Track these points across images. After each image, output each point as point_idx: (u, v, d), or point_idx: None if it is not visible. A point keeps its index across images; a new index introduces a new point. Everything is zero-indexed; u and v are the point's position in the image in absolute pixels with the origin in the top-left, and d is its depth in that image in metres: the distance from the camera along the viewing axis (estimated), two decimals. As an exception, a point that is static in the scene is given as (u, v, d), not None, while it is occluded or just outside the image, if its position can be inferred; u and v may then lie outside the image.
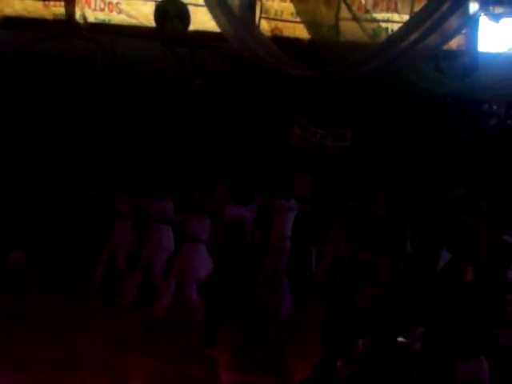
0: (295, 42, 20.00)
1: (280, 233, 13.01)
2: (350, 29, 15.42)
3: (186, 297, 11.88)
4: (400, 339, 8.21)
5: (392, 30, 19.22)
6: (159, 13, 18.95)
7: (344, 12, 15.46)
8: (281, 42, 18.15)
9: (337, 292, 9.68)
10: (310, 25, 15.97)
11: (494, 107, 21.22)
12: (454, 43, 20.56)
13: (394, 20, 20.82)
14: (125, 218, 13.65)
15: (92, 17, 19.65)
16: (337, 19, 15.45)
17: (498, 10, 18.09)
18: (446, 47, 16.80)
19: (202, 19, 19.29)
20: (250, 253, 11.14)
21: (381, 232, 9.19)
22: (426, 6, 13.93)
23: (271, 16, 20.72)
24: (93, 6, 19.63)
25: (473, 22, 17.32)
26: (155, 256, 12.68)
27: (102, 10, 19.72)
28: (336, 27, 15.45)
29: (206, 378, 10.27)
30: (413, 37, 13.45)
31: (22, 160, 16.93)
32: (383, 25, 18.87)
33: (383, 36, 16.23)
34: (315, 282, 14.57)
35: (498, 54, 18.58)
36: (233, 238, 10.89)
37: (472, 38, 21.66)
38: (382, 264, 8.79)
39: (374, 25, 16.57)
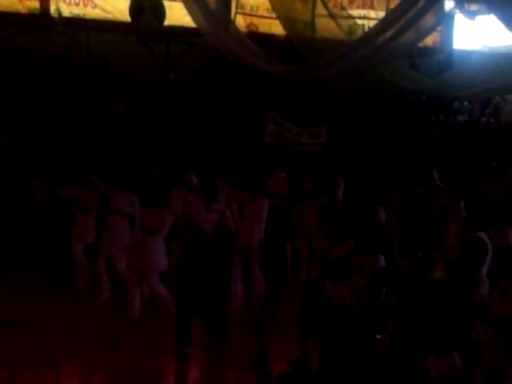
0: (271, 37, 20.02)
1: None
2: (325, 25, 15.41)
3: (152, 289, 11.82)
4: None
5: (368, 27, 19.26)
6: (134, 8, 18.88)
7: (320, 9, 15.44)
8: (256, 37, 18.16)
9: (312, 288, 9.69)
10: (286, 21, 15.95)
11: (465, 104, 21.35)
12: (429, 40, 20.68)
13: (370, 17, 20.91)
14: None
15: (67, 11, 19.57)
16: (313, 16, 15.44)
17: (474, 7, 18.18)
18: (421, 44, 16.89)
19: (177, 14, 19.27)
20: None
21: (363, 228, 9.15)
22: (401, 3, 13.93)
23: (247, 11, 20.74)
24: (67, 0, 19.52)
25: (448, 19, 17.41)
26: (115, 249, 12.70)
27: (77, 4, 19.65)
28: (312, 24, 15.44)
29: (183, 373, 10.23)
30: (388, 33, 13.46)
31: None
32: (359, 22, 18.93)
33: (359, 33, 16.24)
34: (290, 278, 14.62)
35: (473, 52, 18.65)
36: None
37: (447, 36, 21.80)
38: (363, 260, 8.78)
39: (350, 22, 16.58)
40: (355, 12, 20.28)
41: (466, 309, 7.41)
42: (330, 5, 16.17)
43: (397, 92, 18.54)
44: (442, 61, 21.41)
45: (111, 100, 18.80)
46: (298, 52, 16.62)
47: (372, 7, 21.34)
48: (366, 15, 20.93)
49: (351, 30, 15.94)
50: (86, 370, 10.10)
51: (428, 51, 21.28)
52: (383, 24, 14.43)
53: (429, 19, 13.25)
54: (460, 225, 11.24)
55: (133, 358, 10.37)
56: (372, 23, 20.30)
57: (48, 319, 11.47)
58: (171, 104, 18.99)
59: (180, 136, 18.09)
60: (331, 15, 15.50)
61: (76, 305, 12.82)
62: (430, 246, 8.89)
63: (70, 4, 19.62)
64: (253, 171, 14.06)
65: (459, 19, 19.79)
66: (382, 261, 8.80)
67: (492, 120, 21.30)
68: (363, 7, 21.26)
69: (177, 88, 19.36)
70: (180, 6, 17.36)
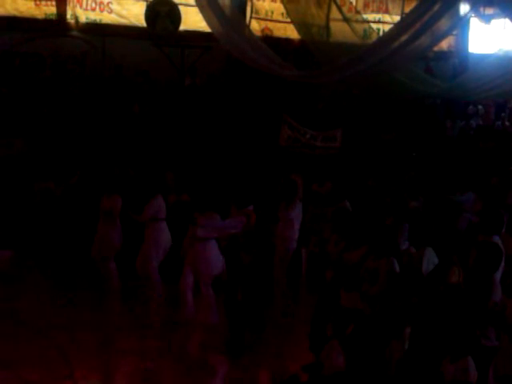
0: (285, 42, 20.04)
1: None
2: (340, 30, 15.42)
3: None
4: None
5: (383, 31, 19.27)
6: (150, 13, 18.95)
7: (335, 13, 15.45)
8: (271, 42, 18.16)
9: (327, 292, 9.70)
10: (301, 25, 15.96)
11: (480, 107, 21.31)
12: (444, 44, 20.67)
13: (384, 21, 20.90)
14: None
15: (83, 16, 19.64)
16: (327, 20, 15.46)
17: (489, 11, 18.16)
18: (436, 48, 16.87)
19: (192, 19, 19.33)
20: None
21: (376, 232, 9.16)
22: (416, 7, 13.92)
23: (261, 16, 20.77)
24: (84, 5, 19.61)
25: (463, 23, 17.36)
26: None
27: (93, 9, 19.71)
28: (327, 28, 15.45)
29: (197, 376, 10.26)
30: (403, 38, 13.45)
31: (14, 158, 16.93)
32: (374, 26, 18.93)
33: (374, 37, 16.25)
34: (305, 282, 14.60)
35: (488, 55, 18.60)
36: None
37: (462, 39, 21.76)
38: (378, 265, 8.79)
39: (365, 26, 16.58)
40: (370, 16, 20.28)
41: (479, 314, 7.41)
42: (345, 9, 16.19)
43: (412, 96, 18.52)
44: (456, 64, 21.37)
45: (126, 104, 18.86)
46: (312, 56, 16.63)
47: (387, 11, 21.34)
48: (381, 19, 20.93)
49: (366, 34, 15.95)
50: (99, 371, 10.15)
51: (443, 55, 21.26)
52: (398, 28, 14.42)
53: (444, 23, 13.21)
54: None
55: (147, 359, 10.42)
56: (387, 27, 20.32)
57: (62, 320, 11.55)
58: (187, 108, 19.03)
59: (195, 140, 18.12)
60: (346, 19, 15.51)
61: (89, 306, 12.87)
62: (450, 250, 8.86)
63: (86, 9, 19.69)
64: (286, 179, 14.20)
65: (474, 23, 19.78)
66: (396, 265, 8.80)
67: (507, 124, 21.24)
68: (378, 11, 21.26)
69: (192, 92, 19.41)
70: (195, 10, 17.41)
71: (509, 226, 10.55)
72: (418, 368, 7.41)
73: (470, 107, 21.02)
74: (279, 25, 20.67)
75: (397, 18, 20.59)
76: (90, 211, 14.41)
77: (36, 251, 15.79)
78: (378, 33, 18.27)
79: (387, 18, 21.21)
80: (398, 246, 9.24)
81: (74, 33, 19.33)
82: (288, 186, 12.96)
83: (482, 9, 17.53)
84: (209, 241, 11.50)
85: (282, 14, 20.10)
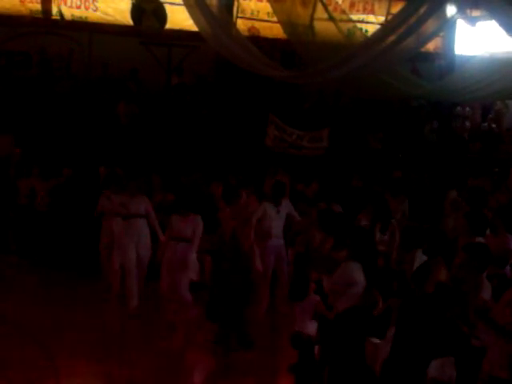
0: (272, 41, 20.03)
1: None
2: (324, 29, 15.43)
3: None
4: (374, 340, 8.25)
5: (366, 31, 19.29)
6: (135, 10, 18.95)
7: (320, 12, 15.47)
8: (257, 41, 18.16)
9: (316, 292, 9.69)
10: (286, 25, 15.98)
11: (468, 109, 21.38)
12: (431, 45, 20.68)
13: (368, 21, 20.92)
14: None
15: (68, 14, 19.56)
16: (312, 19, 15.47)
17: (475, 13, 18.18)
18: (423, 49, 16.87)
19: (178, 18, 19.29)
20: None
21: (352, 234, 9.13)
22: (403, 9, 13.97)
23: (247, 16, 20.74)
24: (69, 3, 19.54)
25: (450, 25, 17.39)
26: None
27: (79, 7, 19.64)
28: (311, 27, 15.47)
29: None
30: (390, 39, 13.49)
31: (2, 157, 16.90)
32: (358, 25, 18.94)
33: (358, 35, 16.25)
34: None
35: (474, 57, 18.66)
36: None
37: (449, 41, 21.79)
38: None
39: (349, 25, 16.60)
40: (355, 16, 20.28)
41: (468, 314, 7.43)
42: (330, 8, 16.20)
43: (397, 97, 18.57)
44: (443, 66, 21.40)
45: (112, 103, 18.83)
46: (299, 56, 16.64)
47: (373, 12, 21.35)
48: (365, 19, 20.95)
49: (350, 32, 15.96)
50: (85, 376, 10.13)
51: (429, 56, 21.29)
52: (385, 29, 14.49)
53: (430, 25, 13.27)
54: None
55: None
56: (371, 26, 20.36)
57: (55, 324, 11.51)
58: (173, 107, 19.01)
59: (181, 139, 18.11)
60: (331, 18, 15.53)
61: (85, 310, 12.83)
62: (435, 248, 8.89)
63: (71, 7, 19.61)
64: (274, 179, 14.20)
65: (461, 24, 19.81)
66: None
67: (494, 126, 21.32)
68: (364, 11, 21.27)
69: (179, 92, 19.39)
70: (181, 9, 17.39)
71: (492, 226, 10.59)
72: (403, 368, 7.42)
73: (458, 108, 21.07)
74: (265, 24, 20.66)
75: (381, 18, 20.61)
76: (79, 210, 14.42)
77: (22, 251, 15.79)
78: (362, 32, 18.26)
79: (371, 17, 21.21)
80: (373, 248, 9.15)
81: (60, 30, 19.25)
82: (276, 187, 12.90)
83: (468, 11, 17.56)
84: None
85: (268, 13, 20.09)
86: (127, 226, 12.38)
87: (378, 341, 8.20)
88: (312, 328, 8.77)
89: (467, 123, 21.22)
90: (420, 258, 9.21)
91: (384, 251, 11.20)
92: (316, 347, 8.79)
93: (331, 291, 8.29)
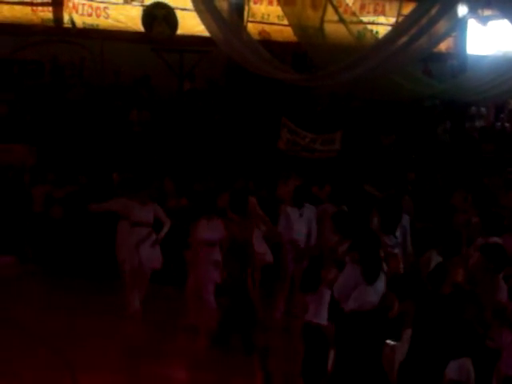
0: (284, 44, 20.03)
1: None
2: (334, 31, 15.43)
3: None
4: (390, 342, 8.23)
5: (377, 32, 19.26)
6: (147, 17, 19.00)
7: (330, 15, 15.46)
8: (268, 44, 18.15)
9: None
10: (297, 27, 15.99)
11: (482, 109, 21.30)
12: (443, 46, 20.62)
13: (379, 22, 20.89)
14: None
15: (80, 21, 19.63)
16: (322, 21, 15.46)
17: (487, 12, 18.16)
18: (435, 50, 16.83)
19: (189, 24, 19.33)
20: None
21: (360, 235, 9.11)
22: (414, 10, 13.95)
23: (258, 19, 20.75)
24: (80, 11, 19.61)
25: (461, 24, 17.36)
26: None
27: (90, 15, 19.71)
28: (321, 29, 15.46)
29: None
30: (402, 40, 13.46)
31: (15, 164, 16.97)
32: (369, 26, 18.90)
33: (368, 37, 16.22)
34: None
35: (486, 56, 18.61)
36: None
37: (461, 41, 21.74)
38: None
39: (360, 26, 16.56)
40: (365, 18, 20.25)
41: (483, 315, 7.42)
42: (341, 10, 16.18)
43: (410, 98, 18.51)
44: (455, 66, 21.35)
45: (125, 110, 18.86)
46: (311, 59, 16.64)
47: (383, 13, 21.32)
48: (375, 21, 20.92)
49: (360, 34, 15.94)
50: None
51: (442, 56, 21.23)
52: (396, 31, 14.46)
53: (442, 25, 13.24)
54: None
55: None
56: (381, 28, 20.33)
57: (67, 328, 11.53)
58: (186, 113, 19.03)
59: (194, 145, 18.13)
60: (341, 20, 15.52)
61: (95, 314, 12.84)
62: (451, 249, 8.87)
63: (82, 14, 19.69)
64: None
65: (473, 24, 19.78)
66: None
67: (507, 125, 21.24)
68: (374, 13, 21.25)
69: (191, 97, 19.41)
70: (192, 15, 17.43)
71: (508, 226, 10.55)
72: (421, 370, 7.40)
73: (473, 108, 21.00)
74: (276, 28, 20.66)
75: (392, 20, 20.57)
76: (94, 217, 14.43)
77: (37, 256, 15.84)
78: (372, 33, 18.22)
79: (382, 18, 21.18)
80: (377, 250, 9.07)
81: (72, 38, 19.31)
82: (298, 190, 12.81)
83: (480, 10, 17.53)
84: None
85: (279, 16, 20.10)
86: (134, 233, 12.43)
87: (394, 343, 8.19)
88: (323, 319, 8.72)
89: (477, 123, 21.14)
90: (435, 258, 9.18)
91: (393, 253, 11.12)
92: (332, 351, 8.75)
93: (338, 293, 8.27)
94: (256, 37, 19.27)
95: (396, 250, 10.54)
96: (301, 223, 12.50)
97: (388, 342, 8.22)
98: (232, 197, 11.53)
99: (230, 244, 10.94)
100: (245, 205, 11.34)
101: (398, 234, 10.89)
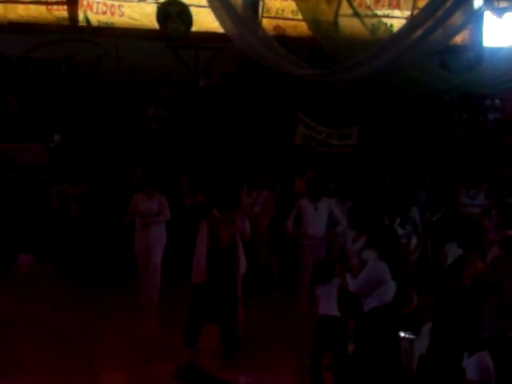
0: (298, 40, 20.02)
1: None
2: (349, 24, 15.36)
3: None
4: (407, 335, 8.22)
5: (391, 25, 19.20)
6: (161, 14, 19.02)
7: (345, 8, 15.41)
8: (283, 40, 18.14)
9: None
10: (311, 22, 15.94)
11: (496, 101, 21.19)
12: (458, 38, 20.56)
13: (393, 15, 20.84)
14: None
15: (94, 20, 19.71)
16: (336, 15, 15.42)
17: (503, 4, 18.08)
18: (450, 42, 16.76)
19: (204, 20, 19.37)
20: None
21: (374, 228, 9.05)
22: (429, 3, 13.85)
23: (272, 15, 20.77)
24: (95, 9, 19.68)
25: (477, 17, 17.26)
26: None
27: (104, 13, 19.78)
28: (335, 23, 15.41)
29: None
30: (417, 33, 13.37)
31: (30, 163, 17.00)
32: (383, 20, 18.85)
33: (382, 30, 16.14)
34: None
35: (502, 48, 18.53)
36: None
37: (476, 33, 21.65)
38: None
39: (374, 20, 16.50)
40: (380, 11, 20.21)
41: (505, 307, 7.41)
42: (355, 4, 16.14)
43: (426, 91, 18.44)
44: (471, 58, 21.27)
45: (141, 107, 18.89)
46: (326, 54, 16.60)
47: (398, 7, 21.27)
48: (390, 14, 20.87)
49: (374, 27, 15.87)
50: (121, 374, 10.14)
51: (457, 49, 21.15)
52: (411, 24, 14.34)
53: (458, 18, 13.12)
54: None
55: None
56: (395, 21, 20.27)
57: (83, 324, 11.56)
58: (202, 110, 19.04)
59: (210, 141, 18.14)
60: (356, 14, 15.46)
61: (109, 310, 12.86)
62: (471, 241, 8.83)
63: (97, 13, 19.78)
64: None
65: (488, 16, 19.68)
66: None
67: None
68: (389, 6, 21.21)
69: (207, 93, 19.42)
70: (207, 11, 17.46)
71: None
72: (441, 364, 7.39)
73: (487, 101, 20.89)
74: (290, 23, 20.67)
75: (407, 13, 20.51)
76: (114, 212, 14.47)
77: (55, 255, 15.90)
78: (387, 26, 18.15)
79: (397, 12, 21.13)
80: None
81: (87, 37, 19.38)
82: (311, 183, 12.62)
83: (495, 2, 17.45)
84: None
85: (293, 11, 20.11)
86: (143, 227, 12.69)
87: (413, 337, 8.18)
88: (336, 310, 8.68)
89: (491, 115, 21.01)
90: (454, 251, 9.14)
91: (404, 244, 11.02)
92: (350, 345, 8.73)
93: (359, 288, 8.19)
94: (271, 32, 19.28)
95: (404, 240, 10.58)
96: (316, 217, 12.23)
97: (405, 335, 8.21)
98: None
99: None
100: (230, 202, 11.06)
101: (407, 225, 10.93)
